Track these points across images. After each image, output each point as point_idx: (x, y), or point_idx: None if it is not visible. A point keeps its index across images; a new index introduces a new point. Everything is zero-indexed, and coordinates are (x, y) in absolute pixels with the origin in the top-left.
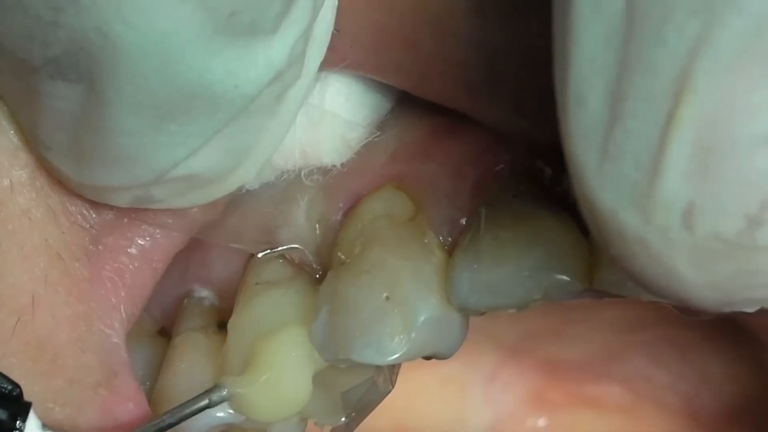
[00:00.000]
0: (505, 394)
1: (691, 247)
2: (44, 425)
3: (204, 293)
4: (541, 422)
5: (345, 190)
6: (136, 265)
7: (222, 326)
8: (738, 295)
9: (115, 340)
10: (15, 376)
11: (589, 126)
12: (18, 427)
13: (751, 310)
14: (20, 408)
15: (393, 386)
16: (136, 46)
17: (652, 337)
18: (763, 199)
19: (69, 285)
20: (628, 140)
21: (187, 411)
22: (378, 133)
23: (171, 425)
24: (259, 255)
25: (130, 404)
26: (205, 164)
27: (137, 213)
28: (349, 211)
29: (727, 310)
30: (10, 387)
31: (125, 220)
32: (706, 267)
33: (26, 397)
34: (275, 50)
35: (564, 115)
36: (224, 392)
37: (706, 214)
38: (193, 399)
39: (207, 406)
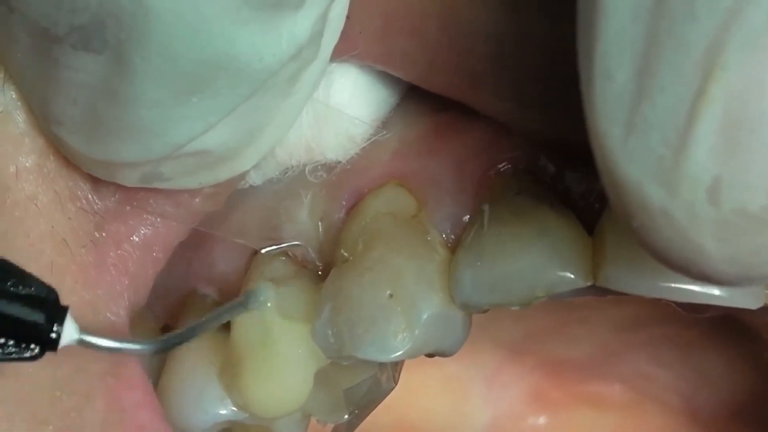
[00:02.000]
0: (505, 393)
1: (716, 221)
2: (81, 329)
3: (207, 291)
4: (542, 421)
5: (348, 187)
6: (138, 253)
7: (225, 324)
8: (758, 270)
9: (121, 328)
10: (21, 365)
11: (615, 100)
12: (55, 330)
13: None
14: (57, 312)
15: (396, 384)
16: (169, 13)
17: (653, 336)
18: None
19: (75, 272)
20: (656, 114)
21: (225, 313)
22: (384, 131)
23: (206, 327)
24: (263, 251)
25: (138, 392)
26: (217, 140)
27: (139, 201)
28: (352, 209)
29: (743, 285)
30: (46, 291)
31: (127, 207)
32: (729, 241)
33: (33, 385)
34: (298, 26)
35: (589, 89)
36: (261, 297)
37: (731, 189)
38: (229, 303)
39: (244, 309)
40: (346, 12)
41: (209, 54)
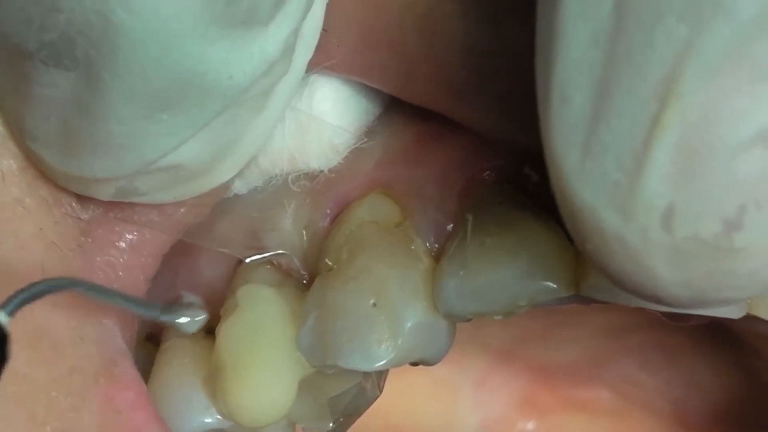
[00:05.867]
0: (494, 398)
1: (669, 247)
2: None
3: (192, 299)
4: (530, 426)
5: (332, 196)
6: (125, 258)
7: (210, 332)
8: (710, 295)
9: (113, 330)
10: (16, 365)
11: (572, 123)
12: None
13: (718, 308)
14: None
15: (381, 391)
16: (138, 31)
17: (641, 341)
18: (741, 203)
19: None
20: (612, 139)
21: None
22: (365, 139)
23: None
24: (247, 260)
25: (131, 393)
26: (190, 155)
27: (123, 211)
28: (336, 218)
29: (696, 309)
30: None
31: (111, 215)
32: (682, 267)
33: (30, 385)
34: (269, 43)
35: (546, 112)
36: None
37: (685, 216)
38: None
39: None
40: (320, 26)
41: (178, 71)
